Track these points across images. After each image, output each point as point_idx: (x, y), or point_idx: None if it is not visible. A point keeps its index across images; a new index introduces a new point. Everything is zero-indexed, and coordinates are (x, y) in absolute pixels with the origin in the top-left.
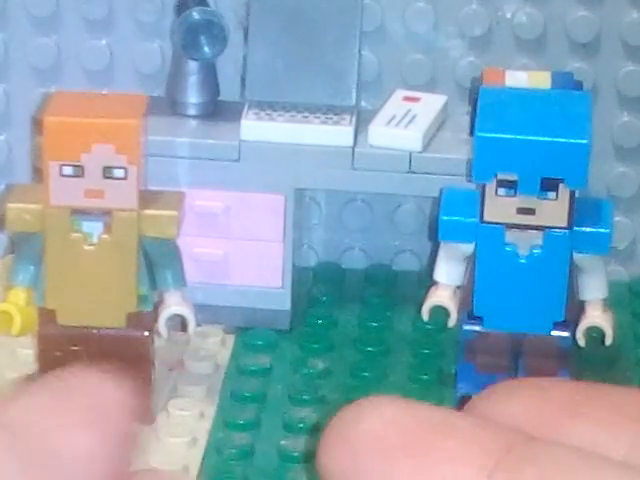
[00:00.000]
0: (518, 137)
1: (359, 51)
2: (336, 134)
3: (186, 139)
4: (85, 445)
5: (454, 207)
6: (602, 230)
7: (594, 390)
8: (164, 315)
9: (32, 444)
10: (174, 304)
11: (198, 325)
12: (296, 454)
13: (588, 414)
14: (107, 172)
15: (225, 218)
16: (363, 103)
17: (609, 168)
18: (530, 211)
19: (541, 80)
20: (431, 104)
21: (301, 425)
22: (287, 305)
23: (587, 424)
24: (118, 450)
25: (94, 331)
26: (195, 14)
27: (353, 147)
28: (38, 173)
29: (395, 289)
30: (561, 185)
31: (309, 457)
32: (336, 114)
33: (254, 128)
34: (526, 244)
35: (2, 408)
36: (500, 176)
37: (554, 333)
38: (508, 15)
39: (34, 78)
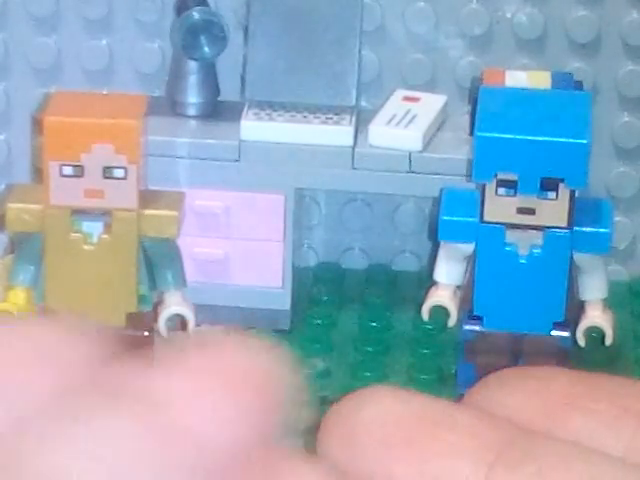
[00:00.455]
0: (518, 137)
1: (359, 51)
2: (336, 134)
3: (186, 139)
4: (226, 415)
5: (454, 207)
6: (602, 230)
7: (593, 381)
8: (164, 315)
9: (171, 418)
10: (174, 304)
11: (198, 325)
12: None
13: (587, 407)
14: (107, 172)
15: (225, 218)
16: (363, 103)
17: (609, 168)
18: (530, 211)
19: (541, 80)
20: (431, 104)
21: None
22: (287, 305)
23: (586, 417)
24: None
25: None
26: (195, 14)
27: (353, 147)
28: (38, 173)
29: (395, 289)
30: (561, 185)
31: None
32: (336, 114)
33: (254, 128)
34: (526, 244)
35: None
36: (500, 176)
37: (554, 333)
38: (508, 15)
39: (34, 78)
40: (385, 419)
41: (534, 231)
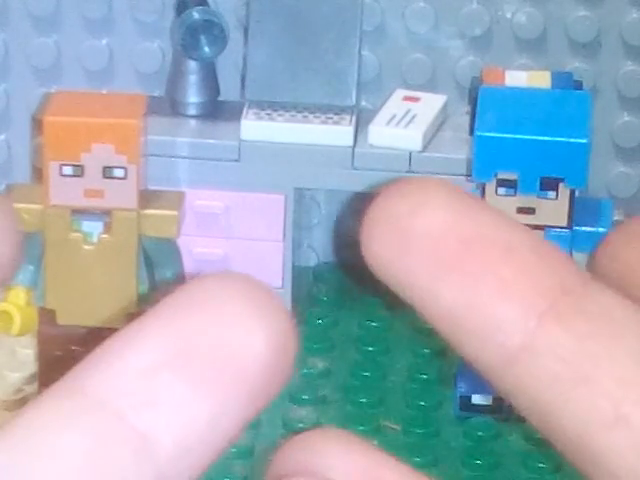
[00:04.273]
0: (518, 136)
1: (359, 51)
2: (336, 134)
3: (186, 139)
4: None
5: None
6: (602, 230)
7: None
8: None
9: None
10: None
11: None
12: None
13: None
14: (107, 172)
15: (225, 218)
16: (363, 103)
17: (609, 168)
18: (530, 210)
19: (541, 80)
20: (431, 104)
21: (301, 425)
22: (287, 305)
23: None
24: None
25: (94, 331)
26: (195, 14)
27: (353, 147)
28: (38, 173)
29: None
30: (561, 184)
31: None
32: (336, 114)
33: (254, 128)
34: None
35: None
36: (500, 175)
37: None
38: (508, 15)
39: (34, 78)
40: (443, 234)
41: (534, 231)
